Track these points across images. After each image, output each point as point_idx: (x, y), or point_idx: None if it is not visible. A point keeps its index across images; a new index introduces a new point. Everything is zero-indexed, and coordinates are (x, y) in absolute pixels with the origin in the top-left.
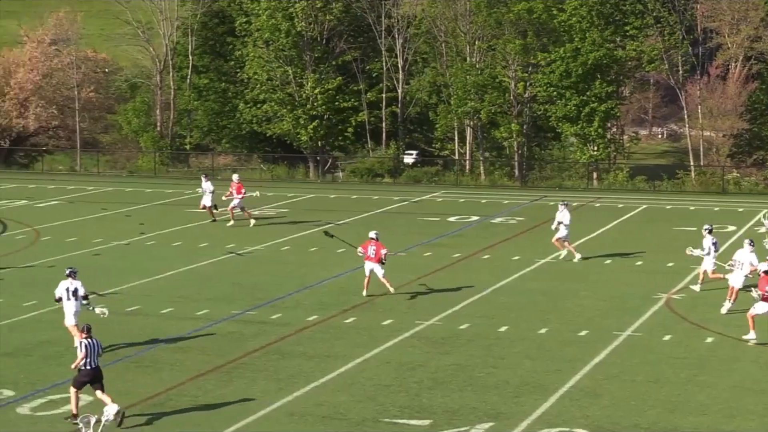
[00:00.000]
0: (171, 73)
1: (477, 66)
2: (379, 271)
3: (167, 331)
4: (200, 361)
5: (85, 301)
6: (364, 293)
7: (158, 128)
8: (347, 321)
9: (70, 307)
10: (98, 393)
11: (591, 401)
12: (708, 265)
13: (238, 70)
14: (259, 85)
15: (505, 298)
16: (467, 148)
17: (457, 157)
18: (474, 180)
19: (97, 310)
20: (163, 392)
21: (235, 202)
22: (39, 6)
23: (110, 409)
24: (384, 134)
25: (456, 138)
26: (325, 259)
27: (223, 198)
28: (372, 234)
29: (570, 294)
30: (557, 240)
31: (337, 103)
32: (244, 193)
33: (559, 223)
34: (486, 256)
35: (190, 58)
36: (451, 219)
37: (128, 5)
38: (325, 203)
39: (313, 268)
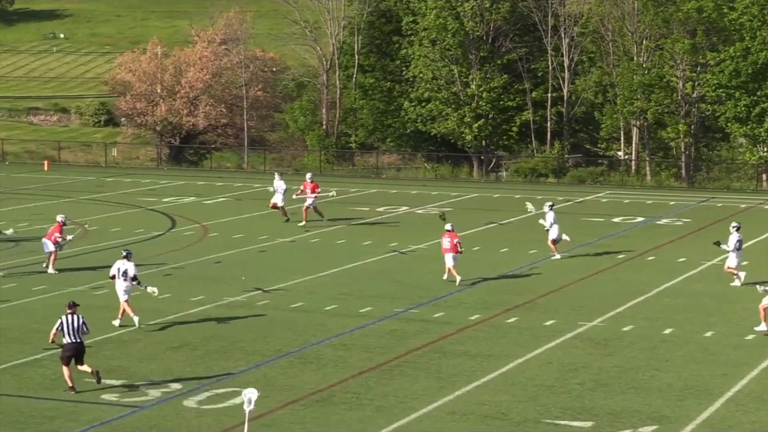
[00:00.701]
0: (337, 72)
1: (644, 65)
2: (450, 261)
3: (331, 327)
4: (363, 358)
5: (134, 282)
6: (445, 277)
7: (324, 127)
8: (509, 321)
9: (120, 284)
10: (79, 367)
11: (758, 406)
12: (731, 261)
13: (403, 69)
14: (423, 84)
15: (670, 299)
16: (633, 148)
17: (622, 157)
18: (639, 181)
19: (149, 289)
20: (326, 388)
21: (309, 201)
22: (210, 6)
23: (251, 395)
24: (549, 134)
25: (621, 138)
26: (487, 257)
27: (294, 197)
28: (448, 226)
29: (737, 297)
30: (552, 242)
31: (501, 103)
32: (319, 192)
33: (550, 224)
34: (651, 258)
35: (356, 57)
36: (616, 220)
37: (296, 5)
38: (488, 203)
39: (476, 266)
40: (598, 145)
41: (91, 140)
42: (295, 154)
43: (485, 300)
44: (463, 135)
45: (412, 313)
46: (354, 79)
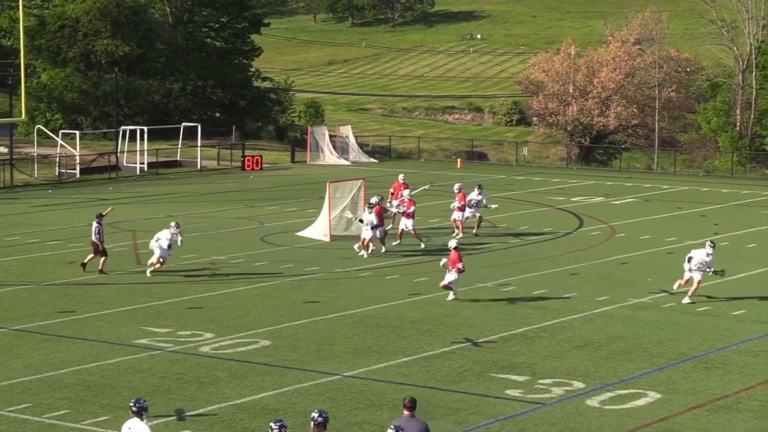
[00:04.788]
0: (754, 72)
1: None
2: None
3: (738, 333)
4: None
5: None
6: None
7: (737, 128)
8: None
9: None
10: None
11: None
12: None
13: None
14: None
15: None
16: None
17: None
18: None
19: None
20: (731, 395)
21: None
22: (625, 6)
23: None
24: None
25: None
26: None
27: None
28: None
29: None
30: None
31: None
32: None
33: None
34: None
35: None
36: None
37: (713, 4)
38: None
39: None
40: None
41: (502, 139)
42: (706, 155)
43: None
44: None
45: None
46: None
